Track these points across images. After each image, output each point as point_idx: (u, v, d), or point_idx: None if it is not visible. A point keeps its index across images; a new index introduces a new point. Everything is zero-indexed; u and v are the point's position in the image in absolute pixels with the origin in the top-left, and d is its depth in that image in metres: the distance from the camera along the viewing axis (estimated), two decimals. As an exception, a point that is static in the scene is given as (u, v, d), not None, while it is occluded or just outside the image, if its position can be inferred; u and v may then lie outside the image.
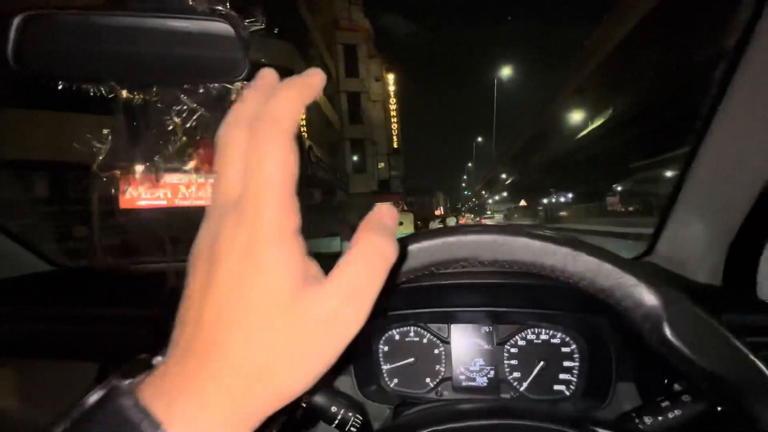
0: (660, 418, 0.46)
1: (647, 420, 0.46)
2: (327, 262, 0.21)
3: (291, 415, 0.44)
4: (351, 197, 21.89)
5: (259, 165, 0.19)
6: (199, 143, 0.67)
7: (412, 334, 0.81)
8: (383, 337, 0.81)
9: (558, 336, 0.77)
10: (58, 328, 0.77)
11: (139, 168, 0.60)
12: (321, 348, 0.19)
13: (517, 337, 0.78)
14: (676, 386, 0.56)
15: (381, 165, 26.33)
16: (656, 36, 14.20)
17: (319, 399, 0.50)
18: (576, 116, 25.91)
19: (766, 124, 0.57)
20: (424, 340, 0.81)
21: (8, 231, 0.91)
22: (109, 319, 0.77)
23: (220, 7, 0.59)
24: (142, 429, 0.16)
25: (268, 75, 0.23)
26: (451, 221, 15.75)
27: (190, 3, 0.57)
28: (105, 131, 0.60)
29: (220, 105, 0.64)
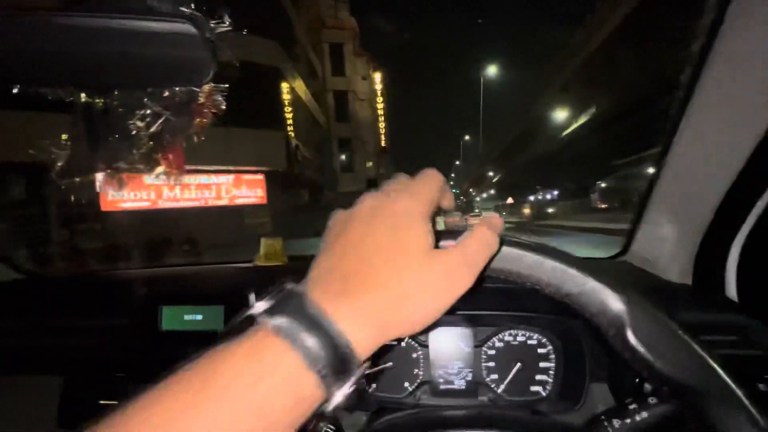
0: (628, 420, 0.46)
1: (616, 423, 0.46)
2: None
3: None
4: (339, 196, 21.80)
5: (427, 173, 0.30)
6: (165, 147, 0.65)
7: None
8: None
9: (534, 337, 0.77)
10: (19, 342, 0.74)
11: (99, 175, 0.58)
12: (444, 292, 0.25)
13: (494, 339, 0.78)
14: (647, 386, 0.56)
15: (369, 164, 26.29)
16: (635, 37, 14.51)
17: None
18: (560, 114, 26.32)
19: (729, 129, 0.58)
20: (403, 344, 0.80)
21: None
22: (75, 331, 0.74)
23: (185, 8, 0.57)
24: (317, 319, 0.22)
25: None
26: (440, 221, 15.77)
27: (153, 3, 0.55)
28: (64, 136, 0.57)
29: (186, 108, 0.62)
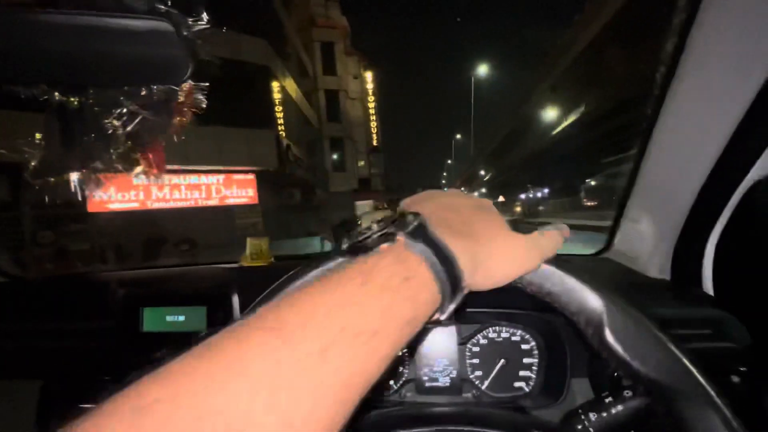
0: (604, 414, 0.46)
1: (592, 416, 0.47)
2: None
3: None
4: (331, 196, 21.74)
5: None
6: (144, 147, 0.65)
7: (375, 336, 0.81)
8: None
9: (518, 334, 0.78)
10: (-3, 345, 0.73)
11: (75, 176, 0.57)
12: (519, 261, 0.32)
13: (478, 335, 0.79)
14: (625, 380, 0.57)
15: (361, 163, 26.24)
16: (621, 37, 14.72)
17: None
18: (549, 113, 26.58)
19: (701, 129, 0.59)
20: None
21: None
22: (54, 333, 0.73)
23: (161, 5, 0.56)
24: (441, 244, 0.27)
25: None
26: None
27: (128, 0, 0.54)
28: (38, 135, 0.56)
29: (165, 107, 0.61)
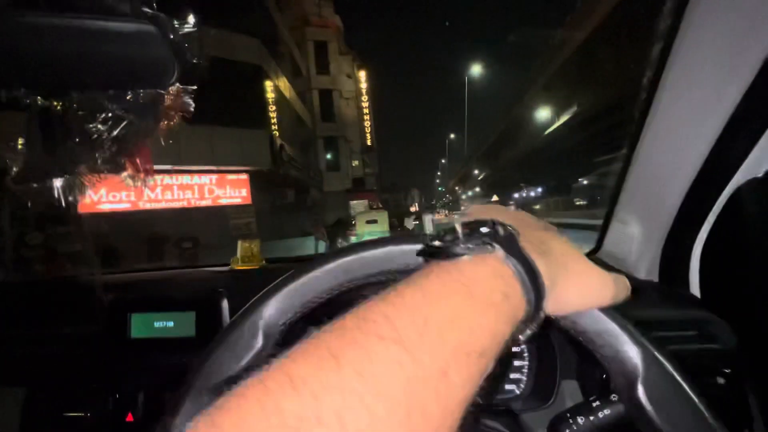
0: (591, 418, 0.47)
1: (580, 420, 0.47)
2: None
3: None
4: (325, 196, 21.69)
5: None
6: (130, 151, 0.64)
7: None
8: None
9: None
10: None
11: (58, 181, 0.56)
12: (589, 296, 0.31)
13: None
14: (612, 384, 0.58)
15: (355, 163, 26.21)
16: (614, 37, 14.87)
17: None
18: (543, 113, 26.76)
19: (687, 133, 0.59)
20: None
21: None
22: (39, 339, 0.72)
23: (147, 8, 0.56)
24: (531, 263, 0.26)
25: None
26: (427, 219, 15.88)
27: (114, 3, 0.53)
28: (20, 140, 0.55)
29: (151, 111, 0.61)
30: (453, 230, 0.27)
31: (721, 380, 0.56)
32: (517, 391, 0.76)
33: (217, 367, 0.33)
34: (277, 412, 0.16)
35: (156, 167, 0.72)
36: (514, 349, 0.78)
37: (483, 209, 0.34)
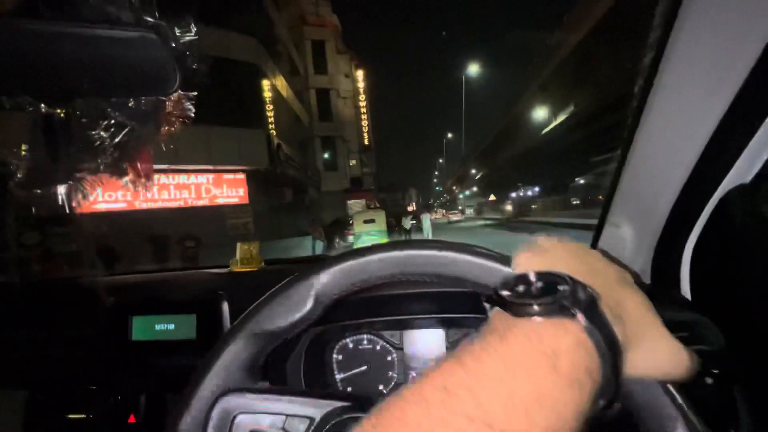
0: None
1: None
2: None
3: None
4: (323, 195, 21.66)
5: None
6: (132, 156, 0.64)
7: (365, 342, 0.82)
8: (337, 346, 0.81)
9: (504, 337, 0.79)
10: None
11: (61, 187, 0.56)
12: (661, 366, 0.29)
13: (465, 340, 0.80)
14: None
15: (353, 162, 26.19)
16: (612, 39, 14.93)
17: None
18: (540, 113, 26.82)
19: (678, 137, 0.61)
20: (378, 347, 0.81)
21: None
22: (40, 342, 0.73)
23: (148, 17, 0.56)
24: (614, 341, 0.24)
25: None
26: (425, 220, 15.91)
27: (117, 12, 0.54)
28: (23, 147, 0.56)
29: (153, 118, 0.62)
30: (526, 280, 0.26)
31: (709, 380, 0.57)
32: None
33: (267, 316, 0.35)
34: None
35: (153, 167, 0.72)
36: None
37: (549, 250, 0.31)
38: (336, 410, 0.34)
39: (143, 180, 0.68)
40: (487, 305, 0.29)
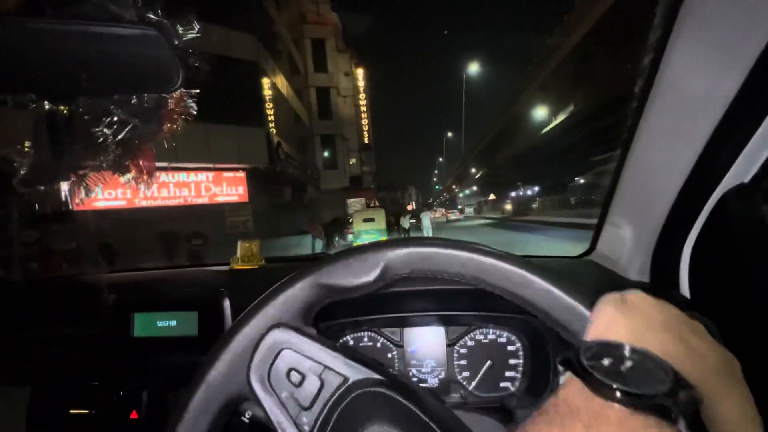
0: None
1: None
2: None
3: (234, 429, 0.44)
4: (322, 194, 21.65)
5: None
6: (134, 154, 0.65)
7: (366, 339, 0.82)
8: (337, 344, 0.82)
9: (504, 336, 0.80)
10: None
11: (64, 184, 0.57)
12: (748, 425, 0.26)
13: (466, 338, 0.81)
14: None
15: (352, 161, 26.18)
16: (611, 39, 14.92)
17: (262, 413, 0.50)
18: (539, 112, 26.82)
19: (678, 137, 0.61)
20: (378, 345, 0.82)
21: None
22: (43, 339, 0.73)
23: (150, 14, 0.57)
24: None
25: None
26: (425, 219, 15.93)
27: (119, 10, 0.54)
28: (26, 144, 0.56)
29: (155, 115, 0.62)
30: (614, 352, 0.24)
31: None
32: (513, 389, 0.78)
33: (335, 272, 0.36)
34: None
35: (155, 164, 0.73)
36: (509, 348, 0.80)
37: (645, 307, 0.28)
38: (370, 380, 0.35)
39: (146, 177, 0.68)
40: (560, 367, 0.27)
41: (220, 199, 11.51)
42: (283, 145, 14.21)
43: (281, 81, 16.03)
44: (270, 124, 13.82)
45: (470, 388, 0.79)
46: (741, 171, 0.58)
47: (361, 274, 0.36)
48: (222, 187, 11.57)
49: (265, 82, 13.86)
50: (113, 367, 0.72)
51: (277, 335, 0.35)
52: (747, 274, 0.60)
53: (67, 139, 0.55)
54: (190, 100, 0.66)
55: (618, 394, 0.21)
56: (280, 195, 15.20)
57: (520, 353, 0.79)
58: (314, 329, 0.38)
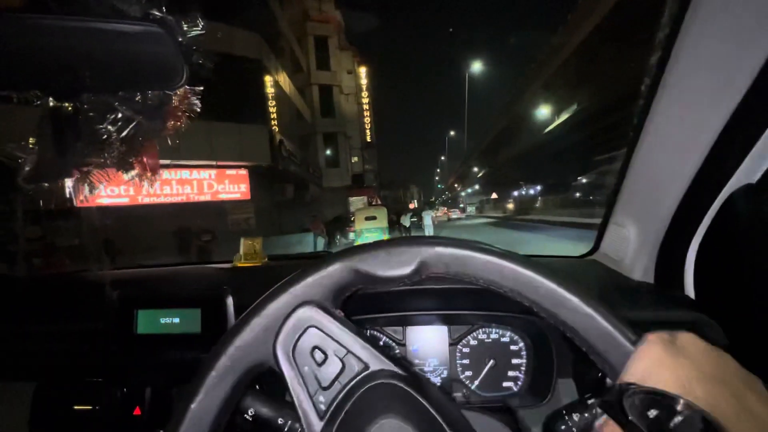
0: (586, 414, 0.48)
1: (575, 417, 0.49)
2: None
3: (237, 428, 0.44)
4: (324, 192, 21.65)
5: None
6: (139, 151, 0.65)
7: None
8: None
9: (507, 335, 0.80)
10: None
11: (68, 181, 0.57)
12: None
13: (469, 337, 0.81)
14: (608, 381, 0.60)
15: (354, 159, 26.16)
16: (615, 38, 14.84)
17: (265, 410, 0.50)
18: (543, 111, 26.72)
19: (684, 137, 0.61)
20: (380, 344, 0.82)
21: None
22: (47, 335, 0.73)
23: (155, 11, 0.57)
24: None
25: None
26: (426, 218, 15.91)
27: (123, 6, 0.54)
28: (31, 140, 0.56)
29: (159, 112, 0.62)
30: (661, 403, 0.23)
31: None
32: (515, 389, 0.78)
33: (371, 260, 0.36)
34: None
35: (159, 161, 0.73)
36: (512, 347, 0.80)
37: (695, 352, 0.26)
38: (389, 372, 0.35)
39: (149, 174, 0.68)
40: (599, 409, 0.26)
41: (223, 197, 11.52)
42: (286, 142, 14.21)
43: (284, 78, 16.02)
44: (272, 122, 13.82)
45: (473, 387, 0.79)
46: (748, 171, 0.58)
47: (398, 267, 0.36)
48: (224, 184, 11.59)
49: (268, 79, 13.84)
50: (117, 364, 0.72)
51: (306, 312, 0.35)
52: (754, 275, 0.59)
53: (72, 136, 0.55)
54: (194, 98, 0.66)
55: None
56: (282, 193, 15.20)
57: (523, 353, 0.79)
58: (342, 312, 0.38)
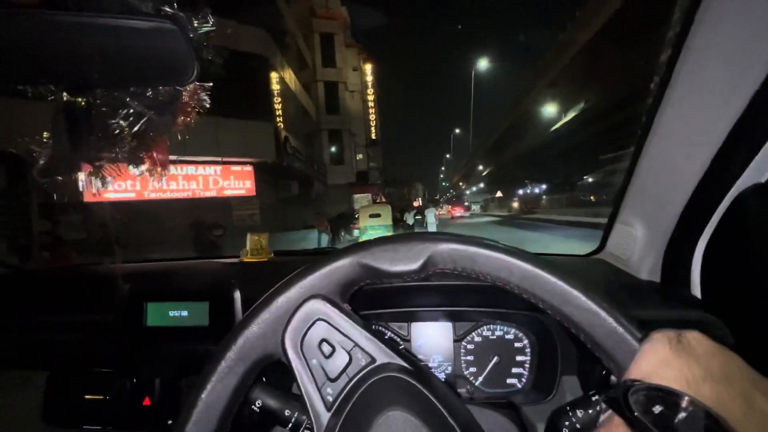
0: (590, 411, 0.49)
1: (579, 413, 0.49)
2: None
3: (245, 419, 0.45)
4: (329, 189, 21.68)
5: None
6: (149, 146, 0.66)
7: (373, 333, 0.83)
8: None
9: (511, 332, 0.80)
10: (3, 337, 0.74)
11: (82, 175, 0.58)
12: None
13: (473, 333, 0.81)
14: (612, 378, 0.60)
15: (359, 156, 26.14)
16: (622, 37, 14.68)
17: (272, 402, 0.51)
18: (548, 110, 26.53)
19: (693, 136, 0.60)
20: (386, 338, 0.83)
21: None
22: (59, 326, 0.75)
23: (167, 7, 0.57)
24: None
25: None
26: (429, 215, 15.88)
27: (135, 2, 0.55)
28: (45, 134, 0.57)
29: (170, 107, 0.62)
30: (667, 399, 0.23)
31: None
32: (519, 385, 0.78)
33: (379, 255, 0.37)
34: None
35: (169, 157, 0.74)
36: (517, 344, 0.80)
37: (703, 352, 0.26)
38: (396, 366, 0.35)
39: (159, 169, 0.69)
40: (603, 404, 0.26)
41: (228, 193, 11.59)
42: (291, 139, 14.24)
43: (289, 75, 16.03)
44: (278, 119, 13.85)
45: (477, 383, 0.79)
46: (757, 171, 0.58)
47: (406, 262, 0.36)
48: (230, 180, 11.65)
49: (274, 76, 13.87)
50: (127, 355, 0.73)
51: (315, 305, 0.36)
52: (761, 274, 0.59)
53: (85, 130, 0.56)
54: (204, 94, 0.67)
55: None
56: (287, 189, 15.25)
57: (528, 350, 0.79)
58: (349, 306, 0.39)
